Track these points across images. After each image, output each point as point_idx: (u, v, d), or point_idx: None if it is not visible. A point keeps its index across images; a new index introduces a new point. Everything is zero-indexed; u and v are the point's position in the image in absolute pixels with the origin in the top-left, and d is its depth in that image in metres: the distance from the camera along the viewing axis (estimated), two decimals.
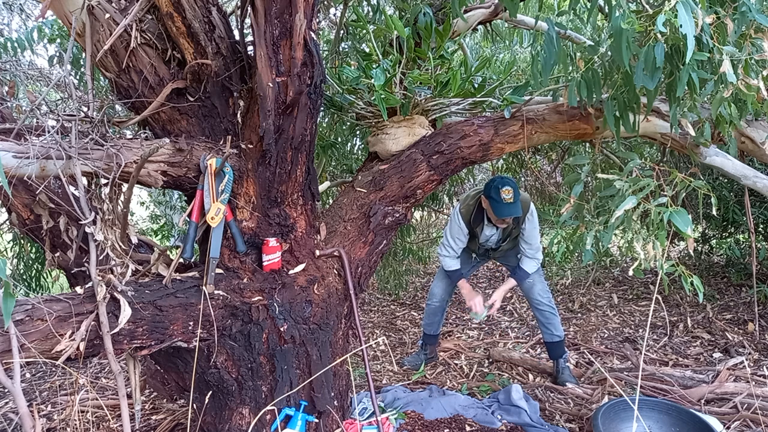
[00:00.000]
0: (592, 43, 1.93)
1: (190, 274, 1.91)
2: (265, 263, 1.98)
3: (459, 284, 2.98)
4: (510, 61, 4.38)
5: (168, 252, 1.92)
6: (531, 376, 3.07)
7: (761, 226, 4.23)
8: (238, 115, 1.93)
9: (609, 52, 1.77)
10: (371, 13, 3.05)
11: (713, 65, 1.53)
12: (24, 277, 3.43)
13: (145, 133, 1.93)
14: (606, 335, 3.66)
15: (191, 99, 1.86)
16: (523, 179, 5.34)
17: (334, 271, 2.18)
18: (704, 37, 1.46)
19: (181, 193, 2.23)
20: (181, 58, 1.83)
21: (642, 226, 1.80)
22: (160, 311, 1.74)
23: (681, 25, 1.34)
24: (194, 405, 2.06)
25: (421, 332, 3.36)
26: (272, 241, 1.96)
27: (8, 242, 3.46)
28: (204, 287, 1.83)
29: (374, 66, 2.19)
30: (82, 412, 2.58)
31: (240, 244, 1.89)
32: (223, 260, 1.94)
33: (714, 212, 1.81)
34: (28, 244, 3.17)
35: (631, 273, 1.78)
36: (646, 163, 1.80)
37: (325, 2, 3.44)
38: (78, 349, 1.55)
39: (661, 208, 1.62)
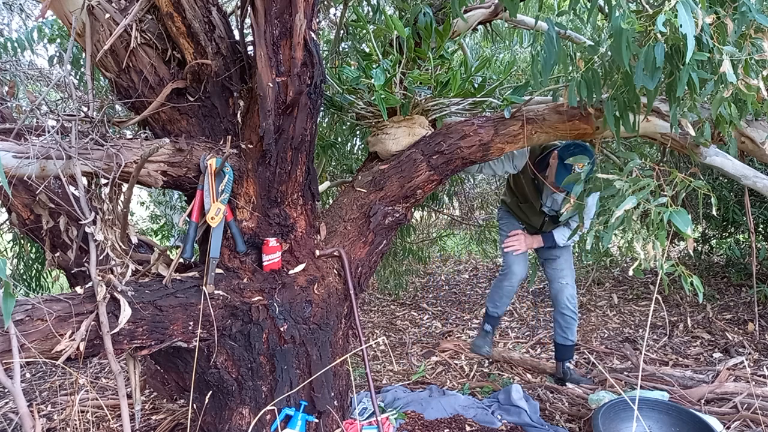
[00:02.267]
0: (592, 43, 1.93)
1: (190, 274, 1.91)
2: (265, 263, 1.98)
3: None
4: (510, 61, 4.38)
5: (168, 252, 1.92)
6: (531, 376, 3.07)
7: (761, 226, 4.23)
8: (238, 115, 1.93)
9: (609, 52, 1.77)
10: (371, 13, 3.05)
11: (713, 65, 1.53)
12: (24, 277, 3.43)
13: (145, 133, 1.93)
14: (606, 335, 3.66)
15: (191, 99, 1.86)
16: None
17: (334, 271, 2.18)
18: (704, 37, 1.46)
19: (181, 193, 2.23)
20: (181, 58, 1.83)
21: (642, 226, 1.80)
22: (160, 311, 1.74)
23: (681, 25, 1.34)
24: (194, 405, 2.06)
25: (483, 313, 3.10)
26: (272, 241, 1.96)
27: (8, 242, 3.45)
28: (204, 287, 1.83)
29: (374, 66, 2.19)
30: (82, 412, 2.58)
31: (240, 244, 1.89)
32: (223, 260, 1.94)
33: (714, 212, 1.81)
34: (28, 244, 3.17)
35: (631, 273, 1.78)
36: (646, 163, 1.80)
37: (325, 2, 3.44)
38: (78, 349, 1.55)
39: (661, 208, 1.62)
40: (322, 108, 2.22)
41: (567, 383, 2.82)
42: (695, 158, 2.06)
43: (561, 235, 2.66)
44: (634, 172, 1.77)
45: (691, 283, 1.64)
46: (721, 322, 3.60)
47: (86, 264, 1.69)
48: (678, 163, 3.82)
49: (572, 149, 2.34)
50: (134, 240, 1.80)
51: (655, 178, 1.71)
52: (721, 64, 1.45)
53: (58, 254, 1.94)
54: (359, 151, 4.02)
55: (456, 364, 3.31)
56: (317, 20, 1.83)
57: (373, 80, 2.09)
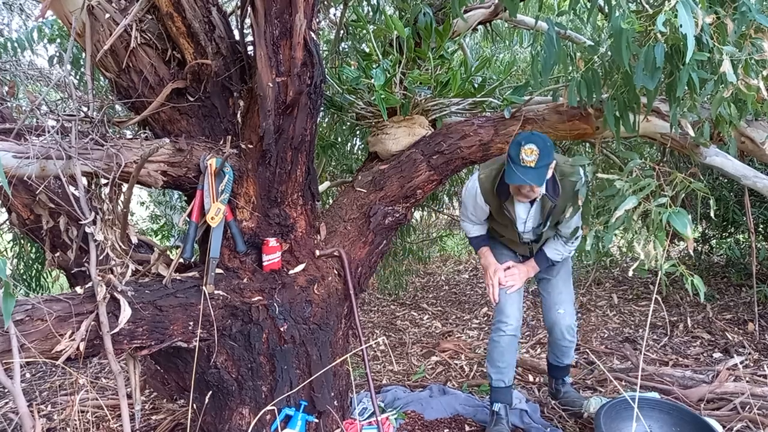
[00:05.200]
0: (592, 43, 1.93)
1: (190, 274, 1.91)
2: (265, 263, 1.98)
3: (480, 252, 2.34)
4: (510, 61, 4.38)
5: (168, 252, 1.92)
6: (531, 377, 3.07)
7: (761, 226, 4.23)
8: (238, 115, 1.93)
9: (609, 52, 1.77)
10: (371, 13, 3.05)
11: (713, 65, 1.53)
12: (24, 277, 3.43)
13: (145, 133, 1.93)
14: (606, 335, 3.66)
15: (191, 99, 1.86)
16: None
17: (334, 271, 2.18)
18: (704, 37, 1.46)
19: (181, 193, 2.23)
20: (181, 58, 1.83)
21: (643, 226, 1.80)
22: (160, 311, 1.74)
23: (681, 25, 1.34)
24: (194, 405, 2.06)
25: (488, 383, 2.38)
26: (272, 241, 1.96)
27: (8, 242, 3.45)
28: (204, 287, 1.83)
29: (374, 66, 2.19)
30: (82, 412, 2.58)
31: (240, 244, 1.89)
32: (223, 260, 1.94)
33: (712, 214, 1.81)
34: (28, 244, 3.16)
35: (631, 273, 1.78)
36: (647, 163, 1.80)
37: (325, 2, 3.43)
38: (78, 349, 1.55)
39: (660, 208, 1.62)
40: (322, 108, 2.22)
41: (559, 400, 2.53)
42: (695, 158, 2.06)
43: (554, 251, 2.23)
44: (634, 172, 1.77)
45: (692, 283, 1.64)
46: (721, 322, 3.60)
47: (86, 264, 1.69)
48: (678, 163, 3.82)
49: (515, 139, 1.93)
50: (134, 240, 1.80)
51: (656, 178, 1.71)
52: (721, 64, 1.45)
53: (58, 254, 1.94)
54: (359, 151, 4.02)
55: (456, 364, 3.31)
56: (317, 20, 1.83)
57: (373, 80, 2.09)
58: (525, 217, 2.14)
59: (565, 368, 2.50)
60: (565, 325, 2.29)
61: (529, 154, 1.85)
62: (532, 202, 2.10)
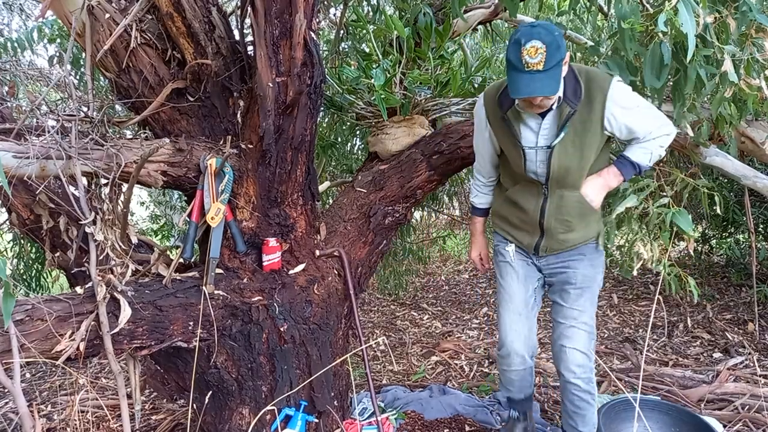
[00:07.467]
0: (592, 43, 1.93)
1: (190, 274, 1.91)
2: (265, 263, 1.98)
3: (472, 221, 2.02)
4: None
5: (168, 252, 1.92)
6: None
7: (761, 226, 4.23)
8: (238, 115, 1.93)
9: (609, 52, 1.77)
10: (371, 13, 3.05)
11: (715, 64, 1.53)
12: (24, 277, 3.43)
13: (145, 133, 1.93)
14: (606, 335, 3.66)
15: (191, 99, 1.86)
16: None
17: (334, 271, 2.18)
18: (707, 34, 1.46)
19: (181, 193, 2.23)
20: (181, 58, 1.83)
21: (641, 227, 1.80)
22: (160, 311, 1.74)
23: (682, 24, 1.34)
24: (194, 405, 2.06)
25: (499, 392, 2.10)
26: (272, 241, 1.96)
27: (8, 242, 3.45)
28: (204, 287, 1.83)
29: (374, 66, 2.19)
30: (82, 412, 2.58)
31: (240, 244, 1.89)
32: (223, 260, 1.94)
33: (718, 210, 1.81)
34: (28, 244, 3.16)
35: (634, 273, 1.78)
36: None
37: (325, 2, 3.43)
38: (78, 349, 1.55)
39: (662, 209, 1.62)
40: (322, 108, 2.22)
41: None
42: (695, 158, 2.06)
43: (641, 152, 1.61)
44: None
45: (687, 284, 1.65)
46: (721, 322, 3.60)
47: (86, 264, 1.69)
48: (678, 163, 3.82)
49: (513, 36, 1.44)
50: (134, 240, 1.80)
51: (656, 178, 1.71)
52: (723, 63, 1.45)
53: (58, 254, 1.93)
54: (359, 151, 4.02)
55: (456, 364, 3.31)
56: (317, 20, 1.83)
57: (373, 80, 2.09)
58: (537, 128, 1.62)
59: None
60: (574, 363, 1.72)
61: (534, 54, 1.39)
62: (544, 115, 1.60)
